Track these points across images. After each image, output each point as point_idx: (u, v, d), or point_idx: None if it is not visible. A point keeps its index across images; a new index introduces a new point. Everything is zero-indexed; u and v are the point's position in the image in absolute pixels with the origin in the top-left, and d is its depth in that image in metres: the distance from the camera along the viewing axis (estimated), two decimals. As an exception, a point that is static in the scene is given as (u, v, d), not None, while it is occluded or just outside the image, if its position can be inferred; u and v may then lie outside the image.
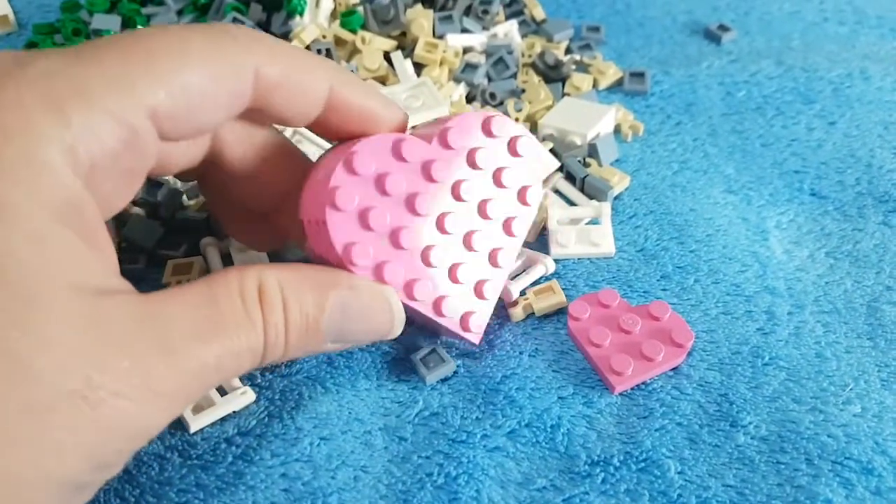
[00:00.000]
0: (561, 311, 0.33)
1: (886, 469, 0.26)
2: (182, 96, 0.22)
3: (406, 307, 0.27)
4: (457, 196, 0.28)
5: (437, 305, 0.28)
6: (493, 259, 0.29)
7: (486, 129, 0.28)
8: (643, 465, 0.27)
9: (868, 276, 0.34)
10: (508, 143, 0.29)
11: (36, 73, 0.20)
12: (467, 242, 0.28)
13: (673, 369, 0.30)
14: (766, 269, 0.34)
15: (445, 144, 0.28)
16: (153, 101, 0.21)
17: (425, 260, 0.27)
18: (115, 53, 0.21)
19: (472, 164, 0.28)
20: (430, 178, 0.27)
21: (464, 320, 0.29)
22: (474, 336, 0.29)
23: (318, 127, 0.27)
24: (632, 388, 0.29)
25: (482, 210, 0.29)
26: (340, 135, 0.27)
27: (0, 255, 0.18)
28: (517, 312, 0.32)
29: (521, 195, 0.30)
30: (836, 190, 0.39)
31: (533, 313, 0.32)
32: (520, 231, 0.30)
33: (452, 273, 0.28)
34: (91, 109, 0.20)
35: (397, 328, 0.26)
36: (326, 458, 0.27)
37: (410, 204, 0.27)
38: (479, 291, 0.29)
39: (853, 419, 0.28)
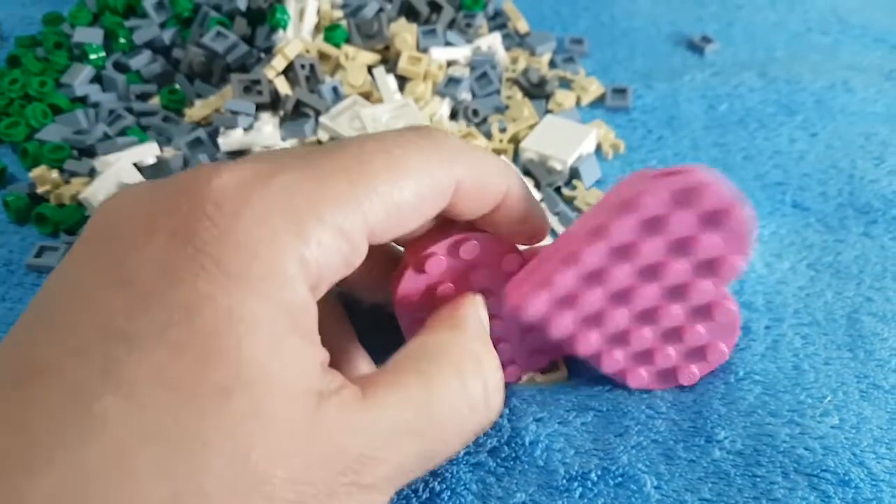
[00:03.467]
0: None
1: (864, 481, 0.26)
2: (395, 213, 0.23)
3: None
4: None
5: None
6: None
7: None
8: (620, 479, 0.27)
9: (849, 287, 0.34)
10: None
11: (278, 190, 0.21)
12: None
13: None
14: (742, 286, 0.34)
15: None
16: (373, 220, 0.22)
17: None
18: (341, 170, 0.22)
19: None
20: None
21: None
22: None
23: (480, 222, 0.28)
24: (606, 409, 0.29)
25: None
26: (490, 228, 0.28)
27: (244, 362, 0.19)
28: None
29: None
30: (818, 201, 0.39)
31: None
32: None
33: None
34: (324, 228, 0.21)
35: None
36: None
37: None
38: None
39: (831, 431, 0.28)
